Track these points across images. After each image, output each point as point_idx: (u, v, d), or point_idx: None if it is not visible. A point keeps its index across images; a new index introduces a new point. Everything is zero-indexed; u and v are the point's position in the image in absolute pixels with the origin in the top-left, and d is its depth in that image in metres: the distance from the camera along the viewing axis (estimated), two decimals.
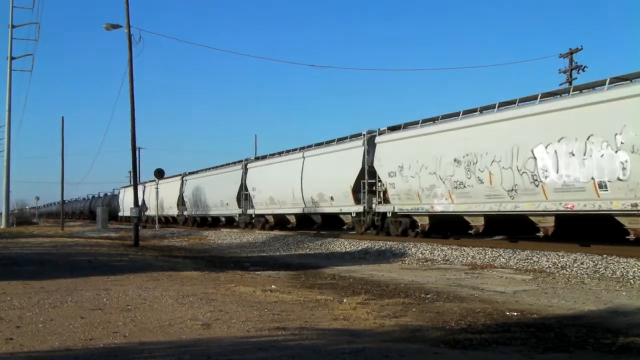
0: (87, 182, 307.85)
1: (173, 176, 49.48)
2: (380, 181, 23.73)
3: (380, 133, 24.00)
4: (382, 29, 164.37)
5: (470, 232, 19.72)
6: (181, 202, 47.93)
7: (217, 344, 6.23)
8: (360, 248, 20.51)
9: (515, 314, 8.18)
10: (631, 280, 11.60)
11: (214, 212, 41.93)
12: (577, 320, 7.68)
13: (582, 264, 13.50)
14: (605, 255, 14.00)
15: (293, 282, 12.33)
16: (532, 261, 14.53)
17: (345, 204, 26.01)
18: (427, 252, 17.87)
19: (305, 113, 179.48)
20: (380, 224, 23.90)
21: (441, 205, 20.27)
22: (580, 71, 37.61)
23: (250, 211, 35.71)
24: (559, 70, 38.66)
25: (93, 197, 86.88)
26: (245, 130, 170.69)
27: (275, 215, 33.29)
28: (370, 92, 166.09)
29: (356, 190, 24.92)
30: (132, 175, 27.68)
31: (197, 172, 46.32)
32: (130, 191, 45.66)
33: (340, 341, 6.39)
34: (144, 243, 25.47)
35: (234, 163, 38.93)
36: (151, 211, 51.32)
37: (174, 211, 49.49)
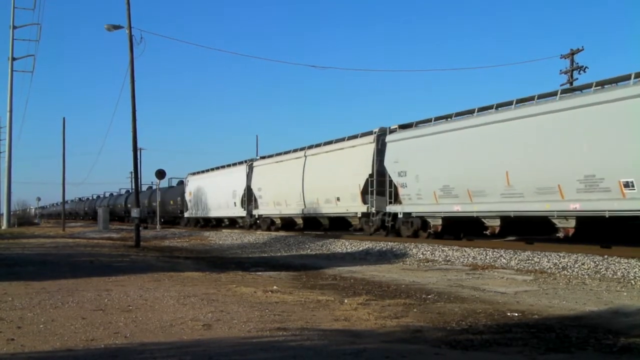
0: (89, 182, 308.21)
1: (343, 139, 27.16)
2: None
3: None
4: (383, 30, 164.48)
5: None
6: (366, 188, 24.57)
7: (218, 345, 6.24)
8: (361, 249, 20.51)
9: (517, 314, 8.18)
10: (632, 281, 11.59)
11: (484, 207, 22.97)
12: (578, 321, 7.68)
13: (583, 264, 13.49)
14: (606, 256, 14.00)
15: (294, 282, 12.33)
16: (533, 262, 14.53)
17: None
18: (428, 252, 17.87)
19: (307, 114, 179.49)
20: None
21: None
22: (582, 72, 37.59)
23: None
24: (560, 70, 38.68)
25: (128, 191, 73.39)
26: (247, 131, 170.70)
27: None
28: (370, 93, 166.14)
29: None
30: (132, 176, 27.69)
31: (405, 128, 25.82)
32: (208, 178, 42.04)
33: (341, 342, 6.39)
34: (145, 244, 25.49)
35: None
36: (264, 207, 33.42)
37: (347, 205, 25.99)
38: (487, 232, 19.19)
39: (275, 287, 11.14)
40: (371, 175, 23.80)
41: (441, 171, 20.14)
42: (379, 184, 23.52)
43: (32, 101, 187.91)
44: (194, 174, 45.42)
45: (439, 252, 17.68)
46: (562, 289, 10.94)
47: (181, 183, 50.99)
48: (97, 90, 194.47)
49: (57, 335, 6.68)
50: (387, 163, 22.84)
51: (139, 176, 27.80)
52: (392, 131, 23.23)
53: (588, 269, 13.09)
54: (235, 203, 36.84)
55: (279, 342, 6.35)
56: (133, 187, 27.37)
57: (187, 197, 45.20)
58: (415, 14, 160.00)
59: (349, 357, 5.66)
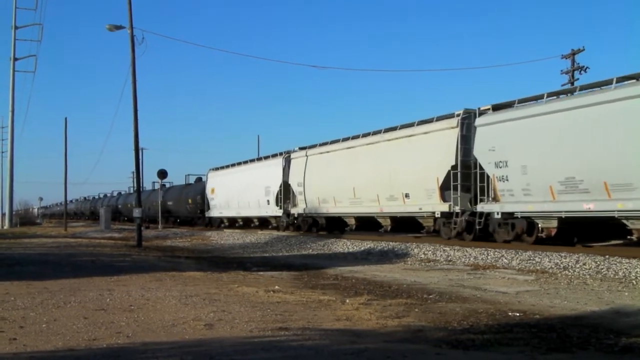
0: (91, 182, 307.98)
1: (411, 125, 22.86)
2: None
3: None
4: (385, 29, 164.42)
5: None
6: (446, 183, 20.77)
7: (219, 344, 6.25)
8: (362, 249, 20.52)
9: (518, 314, 8.19)
10: (634, 281, 11.59)
11: None
12: (580, 321, 7.69)
13: (584, 264, 13.49)
14: (607, 256, 14.00)
15: (296, 282, 12.34)
16: (534, 262, 14.52)
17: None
18: (430, 252, 17.88)
19: (310, 114, 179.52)
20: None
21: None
22: (583, 72, 37.56)
23: None
24: (561, 71, 38.65)
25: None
26: (249, 132, 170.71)
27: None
28: (372, 93, 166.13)
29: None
30: (134, 175, 27.72)
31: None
32: (234, 174, 37.60)
33: (342, 341, 6.40)
34: (146, 243, 25.52)
35: None
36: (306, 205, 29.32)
37: (419, 203, 21.76)
38: (634, 237, 15.37)
39: (277, 286, 11.15)
40: (454, 167, 19.62)
41: (562, 159, 16.02)
42: (464, 178, 19.57)
43: (34, 101, 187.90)
44: (216, 169, 41.07)
45: (441, 252, 17.68)
46: (564, 289, 10.94)
47: (200, 180, 47.09)
48: (100, 89, 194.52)
49: (59, 335, 6.69)
50: (478, 152, 18.90)
51: (140, 176, 27.77)
52: (481, 113, 19.29)
53: (589, 269, 13.09)
54: (268, 201, 32.76)
55: (280, 342, 6.36)
56: (136, 186, 27.36)
57: (209, 194, 40.65)
58: (415, 13, 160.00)
59: (350, 357, 5.66)
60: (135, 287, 10.89)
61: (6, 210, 53.36)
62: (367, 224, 25.68)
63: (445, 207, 20.10)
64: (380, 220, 24.34)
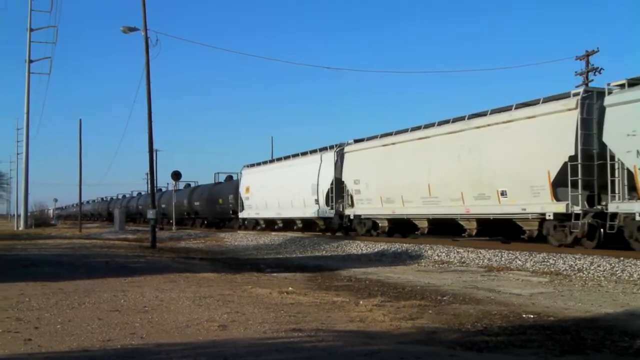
0: (105, 183, 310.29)
1: (508, 108, 19.25)
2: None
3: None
4: (397, 31, 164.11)
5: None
6: (560, 177, 17.52)
7: (233, 345, 6.26)
8: (376, 250, 20.48)
9: (532, 316, 8.15)
10: None
11: None
12: (594, 323, 7.65)
13: (598, 266, 13.40)
14: (622, 258, 13.88)
15: (309, 283, 12.35)
16: (548, 263, 14.45)
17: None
18: (443, 254, 17.82)
19: (320, 115, 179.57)
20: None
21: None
22: (597, 73, 37.32)
23: None
24: (575, 72, 38.41)
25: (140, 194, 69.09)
26: (261, 133, 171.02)
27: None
28: (383, 94, 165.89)
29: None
30: (149, 177, 27.86)
31: None
32: (272, 171, 34.28)
33: (356, 343, 6.40)
34: (160, 245, 25.62)
35: None
36: (364, 206, 26.05)
37: (521, 203, 18.20)
38: None
39: (290, 288, 11.16)
40: (573, 158, 16.16)
41: None
42: (585, 172, 16.11)
43: (48, 102, 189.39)
44: (251, 165, 37.76)
45: (454, 253, 17.62)
46: (578, 290, 10.87)
47: (230, 178, 44.39)
48: (114, 91, 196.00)
49: (73, 336, 6.74)
50: (610, 138, 15.50)
51: (154, 177, 27.86)
52: (610, 91, 15.91)
53: (604, 270, 13.00)
54: (316, 200, 28.88)
55: (293, 343, 6.37)
56: (150, 187, 27.48)
57: (243, 194, 37.15)
58: (429, 15, 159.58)
59: (364, 358, 5.67)
60: (149, 288, 10.94)
61: (21, 211, 53.77)
62: (442, 228, 22.60)
63: (560, 208, 16.59)
64: (463, 223, 20.85)
